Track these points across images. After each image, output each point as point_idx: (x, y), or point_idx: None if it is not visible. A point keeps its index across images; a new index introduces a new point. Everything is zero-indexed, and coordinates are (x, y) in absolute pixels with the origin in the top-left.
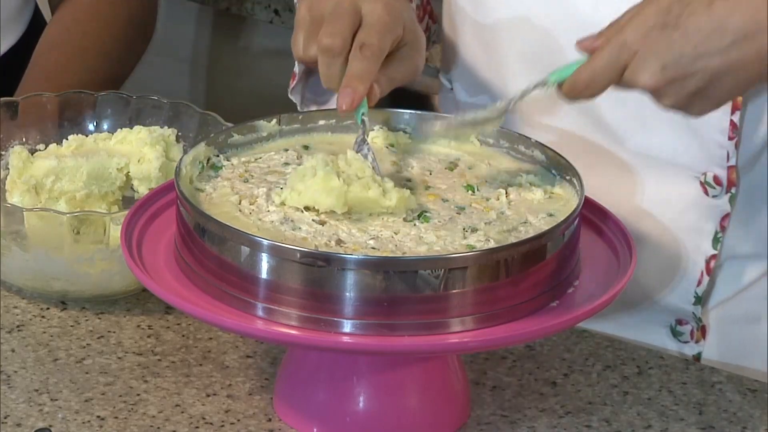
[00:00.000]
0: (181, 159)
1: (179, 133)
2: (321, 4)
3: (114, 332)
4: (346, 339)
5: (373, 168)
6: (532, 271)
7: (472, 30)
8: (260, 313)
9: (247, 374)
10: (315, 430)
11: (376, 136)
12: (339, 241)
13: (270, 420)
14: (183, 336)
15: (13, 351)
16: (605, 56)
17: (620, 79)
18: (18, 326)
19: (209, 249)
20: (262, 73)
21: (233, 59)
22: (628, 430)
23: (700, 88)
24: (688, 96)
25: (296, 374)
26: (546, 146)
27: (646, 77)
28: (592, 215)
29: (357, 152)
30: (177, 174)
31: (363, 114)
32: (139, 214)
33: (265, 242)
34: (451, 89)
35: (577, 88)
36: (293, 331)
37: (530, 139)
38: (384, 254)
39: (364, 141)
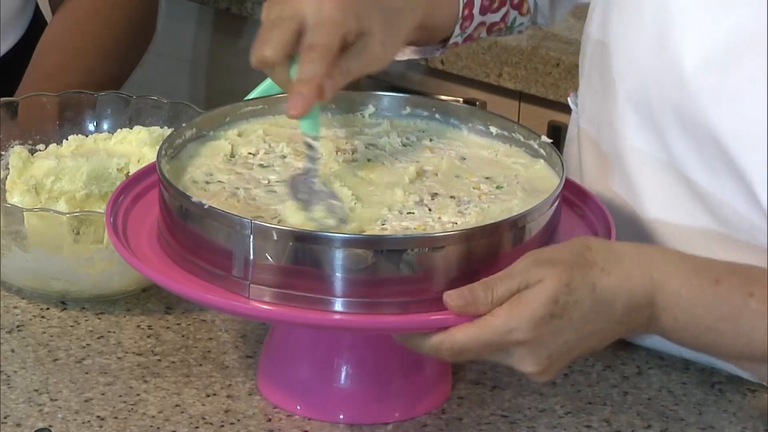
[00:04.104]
0: (163, 143)
1: None
2: (270, 11)
3: (114, 332)
4: (327, 316)
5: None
6: (515, 251)
7: (593, 58)
8: (242, 290)
9: (247, 374)
10: (298, 407)
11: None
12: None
13: (270, 420)
14: (183, 336)
15: (13, 351)
16: (490, 334)
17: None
18: (18, 326)
19: (192, 228)
20: (262, 73)
21: (233, 59)
22: (628, 430)
23: (572, 361)
24: (559, 369)
25: (279, 352)
26: (529, 128)
27: (530, 366)
28: (572, 196)
29: (301, 182)
30: (159, 157)
31: (310, 133)
32: (124, 194)
33: (246, 221)
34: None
35: (444, 349)
36: (274, 308)
37: (514, 122)
38: (366, 233)
39: (310, 171)
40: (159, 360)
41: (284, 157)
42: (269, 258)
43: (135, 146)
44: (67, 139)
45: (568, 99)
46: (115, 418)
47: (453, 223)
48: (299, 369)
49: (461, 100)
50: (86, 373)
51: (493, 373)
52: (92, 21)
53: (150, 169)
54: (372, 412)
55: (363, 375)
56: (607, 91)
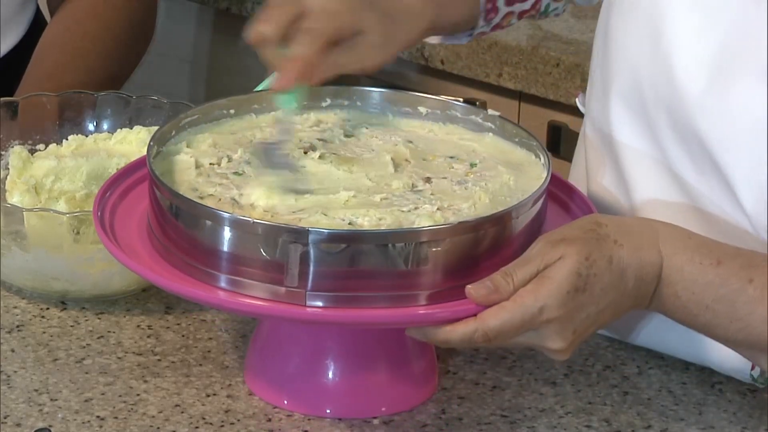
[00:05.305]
0: (151, 139)
1: None
2: None
3: (114, 332)
4: (310, 310)
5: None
6: (499, 246)
7: (597, 56)
8: (228, 285)
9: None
10: (285, 402)
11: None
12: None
13: (270, 420)
14: (183, 336)
15: (13, 351)
16: (522, 314)
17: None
18: (18, 326)
19: (179, 225)
20: (262, 73)
21: (233, 59)
22: (628, 430)
23: (589, 334)
24: (577, 347)
25: (266, 347)
26: (515, 123)
27: (558, 343)
28: (558, 191)
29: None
30: (149, 152)
31: (286, 107)
32: (111, 190)
33: (229, 216)
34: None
35: (478, 336)
36: (258, 302)
37: (498, 114)
38: (347, 228)
39: (281, 143)
40: (159, 360)
41: (249, 163)
42: (250, 252)
43: (135, 146)
44: (67, 139)
45: (576, 100)
46: (115, 418)
47: (470, 205)
48: (286, 363)
49: (461, 99)
50: (86, 373)
51: (493, 373)
52: (92, 21)
53: (134, 166)
54: (358, 406)
55: (349, 369)
56: (606, 88)
